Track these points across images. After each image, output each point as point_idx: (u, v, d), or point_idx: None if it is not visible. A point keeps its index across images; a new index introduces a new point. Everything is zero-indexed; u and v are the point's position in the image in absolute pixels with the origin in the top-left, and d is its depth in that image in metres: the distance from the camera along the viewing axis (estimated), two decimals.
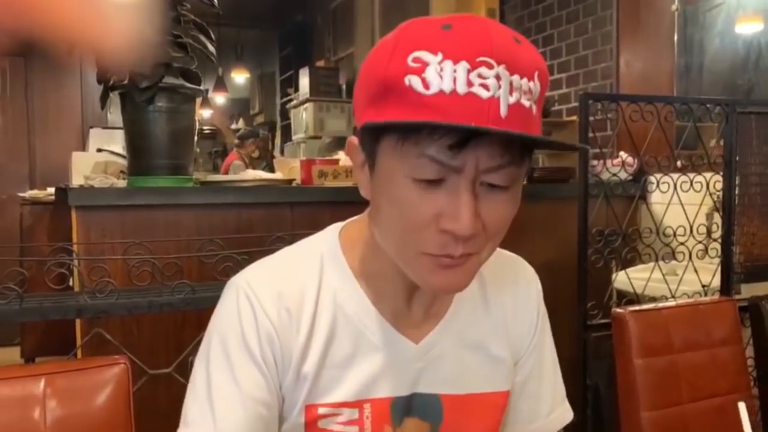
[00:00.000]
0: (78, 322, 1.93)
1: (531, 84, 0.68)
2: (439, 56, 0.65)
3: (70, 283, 1.91)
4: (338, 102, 6.17)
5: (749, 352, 1.91)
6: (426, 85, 0.64)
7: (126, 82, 2.07)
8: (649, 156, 2.18)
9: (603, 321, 1.89)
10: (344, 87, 6.51)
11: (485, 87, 0.64)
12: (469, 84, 0.64)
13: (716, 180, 2.10)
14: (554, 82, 3.91)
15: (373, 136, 0.72)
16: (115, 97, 2.23)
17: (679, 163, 2.32)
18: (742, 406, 0.66)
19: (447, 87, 0.64)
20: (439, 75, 0.64)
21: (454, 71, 0.64)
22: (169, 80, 2.11)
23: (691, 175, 2.13)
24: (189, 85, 2.18)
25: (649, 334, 1.68)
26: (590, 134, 1.91)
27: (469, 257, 0.72)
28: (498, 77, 0.65)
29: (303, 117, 6.24)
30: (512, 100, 0.65)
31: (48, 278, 1.38)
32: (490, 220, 0.70)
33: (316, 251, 0.84)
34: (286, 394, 0.80)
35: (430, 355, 0.83)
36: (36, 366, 1.18)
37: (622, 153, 2.80)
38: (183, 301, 1.37)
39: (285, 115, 7.61)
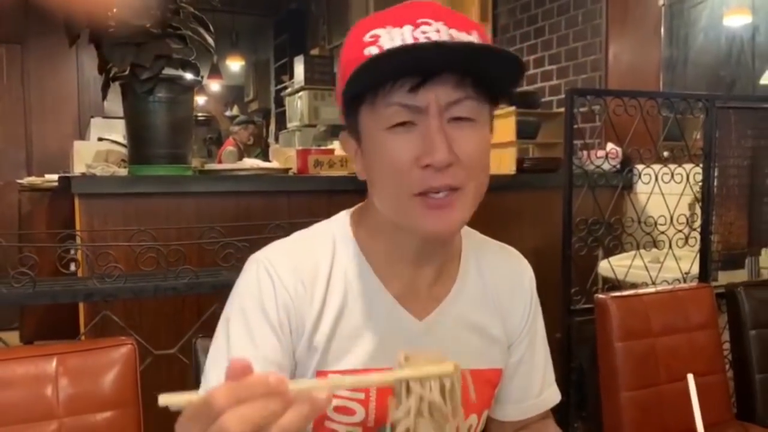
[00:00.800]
0: (82, 306, 2.00)
1: (471, 37, 0.79)
2: (388, 28, 0.78)
3: (72, 269, 1.98)
4: (333, 90, 6.18)
5: (726, 336, 2.00)
6: (381, 50, 0.77)
7: (127, 73, 2.13)
8: (632, 148, 2.25)
9: (586, 306, 1.96)
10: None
11: (428, 39, 0.76)
12: (415, 39, 0.76)
13: (696, 172, 2.18)
14: (545, 74, 3.97)
15: (352, 112, 0.82)
16: (113, 86, 2.29)
17: (666, 154, 2.39)
18: (690, 378, 0.73)
19: (398, 45, 0.76)
20: (390, 40, 0.77)
21: (402, 33, 0.77)
22: (169, 71, 2.17)
23: (673, 167, 2.20)
24: (188, 76, 2.24)
25: (629, 319, 1.76)
26: (578, 125, 1.98)
27: (454, 195, 0.79)
28: (438, 31, 0.77)
29: (298, 105, 6.27)
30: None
31: (57, 264, 1.45)
32: (464, 152, 0.78)
33: (329, 233, 0.91)
34: (299, 360, 0.86)
35: (432, 332, 0.90)
36: (48, 346, 1.23)
37: (609, 144, 2.87)
38: (186, 285, 1.44)
39: (279, 102, 7.62)
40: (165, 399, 0.51)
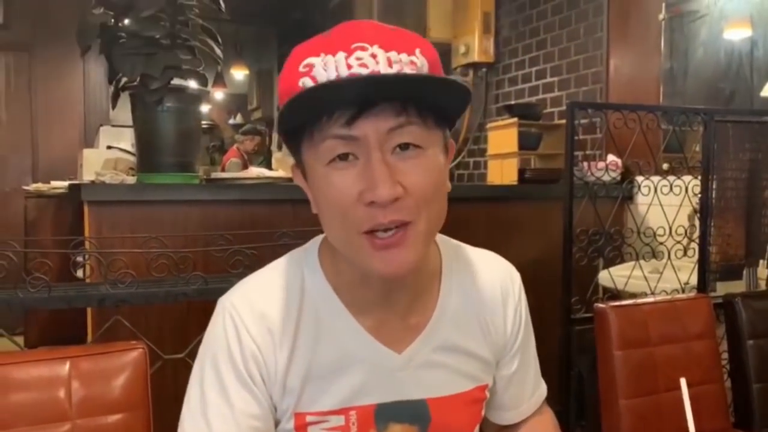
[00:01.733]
0: (90, 311, 2.04)
1: (413, 57, 0.74)
2: (321, 56, 0.74)
3: (79, 274, 2.01)
4: None
5: (724, 346, 2.02)
6: (315, 82, 0.73)
7: (136, 83, 2.17)
8: (632, 160, 2.29)
9: (586, 315, 1.99)
10: None
11: (364, 66, 0.72)
12: (349, 67, 0.72)
13: (695, 184, 2.21)
14: (546, 86, 4.01)
15: (294, 146, 0.80)
16: (121, 95, 2.33)
17: (665, 166, 2.43)
18: (683, 382, 0.76)
19: (332, 76, 0.72)
20: (324, 69, 0.73)
21: (336, 62, 0.72)
22: (178, 82, 2.21)
23: (672, 179, 2.24)
24: (196, 86, 2.28)
25: (628, 328, 1.79)
26: (579, 137, 2.02)
27: (403, 231, 0.75)
28: (374, 55, 0.72)
29: None
30: (392, 71, 0.72)
31: (69, 269, 1.48)
32: (411, 184, 0.74)
33: (297, 268, 0.88)
34: (277, 404, 0.85)
35: (413, 364, 0.87)
36: (61, 350, 1.25)
37: (610, 156, 2.91)
38: (196, 291, 1.47)
39: None
40: None
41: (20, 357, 1.26)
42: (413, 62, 0.74)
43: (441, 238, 0.94)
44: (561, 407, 2.05)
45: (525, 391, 1.02)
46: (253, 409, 0.83)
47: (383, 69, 0.72)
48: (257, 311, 0.84)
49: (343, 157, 0.74)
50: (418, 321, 0.88)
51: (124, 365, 1.25)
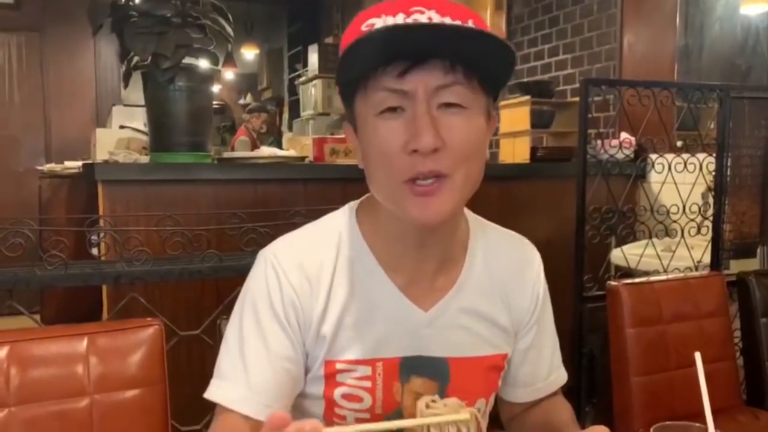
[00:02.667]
0: (105, 289, 2.06)
1: (466, 26, 0.78)
2: (382, 16, 0.79)
3: (94, 252, 2.03)
4: None
5: (736, 324, 2.02)
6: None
7: (148, 62, 2.17)
8: (646, 138, 2.27)
9: (598, 293, 1.99)
10: None
11: None
12: None
13: (709, 161, 2.19)
14: (559, 63, 3.97)
15: (348, 99, 0.84)
16: (133, 75, 2.33)
17: (679, 143, 2.41)
18: (697, 356, 0.77)
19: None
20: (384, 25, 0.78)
21: (395, 20, 0.78)
22: (189, 60, 2.21)
23: (686, 156, 2.22)
24: (207, 65, 2.28)
25: (640, 306, 1.79)
26: (593, 115, 2.00)
27: (442, 183, 0.79)
28: (430, 18, 0.78)
29: (312, 93, 6.28)
30: (446, 34, 0.77)
31: (85, 247, 1.49)
32: (452, 139, 0.78)
33: (334, 226, 0.93)
34: (309, 351, 0.90)
35: (438, 323, 0.91)
36: (79, 326, 1.27)
37: (623, 133, 2.89)
38: (211, 269, 1.49)
39: (293, 90, 7.64)
40: None
41: (39, 333, 1.28)
42: (456, 24, 0.79)
43: (470, 214, 0.99)
44: (572, 385, 2.06)
45: (540, 369, 1.04)
46: (288, 351, 0.88)
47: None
48: (296, 261, 0.89)
49: (393, 109, 0.79)
50: (444, 283, 0.93)
51: (140, 341, 1.27)
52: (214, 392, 0.88)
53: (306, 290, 0.88)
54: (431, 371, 0.91)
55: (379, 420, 0.90)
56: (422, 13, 0.78)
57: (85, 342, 1.23)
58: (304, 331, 0.89)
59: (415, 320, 0.91)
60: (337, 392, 0.90)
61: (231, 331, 0.91)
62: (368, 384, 0.90)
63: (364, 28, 0.80)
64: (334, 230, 0.93)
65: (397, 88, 0.77)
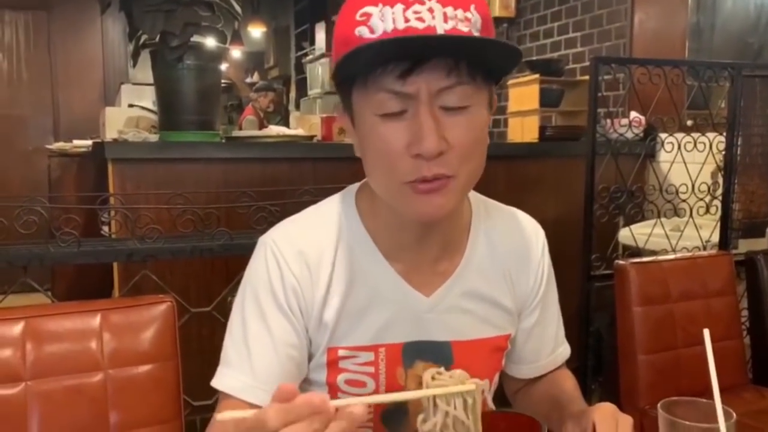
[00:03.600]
0: (116, 266, 2.08)
1: (467, 14, 0.76)
2: (379, 6, 0.76)
3: (104, 231, 2.05)
4: None
5: (744, 303, 2.03)
6: (372, 31, 0.75)
7: (157, 40, 2.17)
8: (656, 116, 2.26)
9: (606, 272, 2.00)
10: None
11: (420, 20, 0.74)
12: (406, 20, 0.74)
13: (720, 141, 2.18)
14: (568, 41, 3.94)
15: (345, 92, 0.82)
16: (141, 54, 2.34)
17: (690, 123, 2.40)
18: (706, 333, 0.77)
19: (389, 27, 0.75)
20: (381, 20, 0.75)
21: (393, 13, 0.74)
22: (197, 39, 2.21)
23: (696, 135, 2.21)
24: (215, 43, 2.28)
25: (648, 285, 1.80)
26: (603, 93, 1.99)
27: (446, 181, 0.78)
28: (431, 10, 0.74)
29: (319, 72, 6.27)
30: (448, 27, 0.75)
31: (97, 225, 1.51)
32: (456, 141, 0.77)
33: (334, 212, 0.92)
34: (312, 337, 0.90)
35: (440, 307, 0.91)
36: (93, 303, 1.29)
37: (633, 112, 2.87)
38: (222, 247, 1.50)
39: (300, 69, 7.62)
40: (222, 416, 0.59)
41: (54, 309, 1.30)
42: (468, 18, 0.76)
43: (472, 194, 0.97)
44: (579, 363, 2.08)
45: (545, 346, 1.05)
46: (292, 338, 0.88)
47: (439, 24, 0.74)
48: (296, 248, 0.89)
49: (395, 114, 0.77)
50: (446, 268, 0.93)
51: (153, 318, 1.29)
52: (220, 381, 0.89)
53: (307, 277, 0.88)
54: (434, 355, 0.92)
55: (383, 405, 0.91)
56: (422, 3, 0.75)
57: (98, 318, 1.25)
58: (306, 317, 0.89)
59: (417, 306, 0.91)
60: (340, 378, 0.91)
61: (234, 320, 0.91)
62: (371, 369, 0.90)
63: (359, 17, 0.76)
64: (333, 216, 0.92)
65: (399, 90, 0.76)
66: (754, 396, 1.87)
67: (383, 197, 0.85)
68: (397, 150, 0.77)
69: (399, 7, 0.75)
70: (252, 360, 0.87)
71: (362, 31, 0.76)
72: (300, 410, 0.57)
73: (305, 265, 0.88)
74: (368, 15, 0.76)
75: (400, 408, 0.92)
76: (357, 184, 0.95)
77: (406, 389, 0.90)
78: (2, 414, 1.16)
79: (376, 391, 0.90)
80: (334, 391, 0.91)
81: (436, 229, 0.89)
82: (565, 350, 1.08)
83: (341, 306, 0.88)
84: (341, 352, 0.89)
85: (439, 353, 0.92)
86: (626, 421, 0.82)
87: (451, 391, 0.65)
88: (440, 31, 0.74)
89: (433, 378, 0.69)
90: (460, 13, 0.76)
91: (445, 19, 0.75)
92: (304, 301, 0.88)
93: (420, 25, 0.74)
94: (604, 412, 0.82)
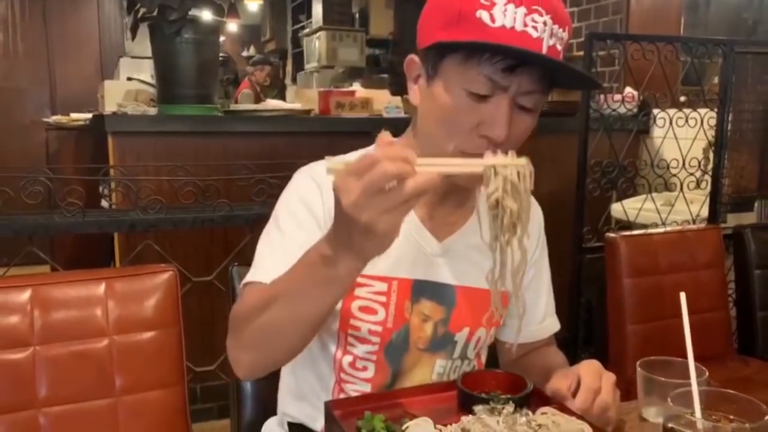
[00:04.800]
0: (117, 237, 2.12)
1: (564, 33, 0.88)
2: None
3: (104, 204, 2.07)
4: (351, 31, 6.16)
5: (732, 276, 2.07)
6: (492, 19, 0.83)
7: (155, 13, 2.18)
8: (649, 92, 2.28)
9: (597, 245, 2.04)
10: (357, 16, 6.46)
11: (535, 29, 0.84)
12: (525, 24, 0.83)
13: (711, 116, 2.21)
14: None
15: (439, 53, 0.89)
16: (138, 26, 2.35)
17: (683, 99, 2.42)
18: (682, 296, 0.82)
19: (508, 23, 0.83)
20: (503, 14, 0.83)
21: (515, 13, 0.83)
22: (195, 12, 2.23)
23: (688, 111, 2.23)
24: (213, 16, 2.29)
25: (638, 257, 1.84)
26: (597, 69, 2.01)
27: None
28: (545, 23, 0.84)
29: (316, 46, 6.24)
30: (551, 42, 0.85)
31: (99, 195, 1.54)
32: (515, 134, 0.88)
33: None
34: None
35: (450, 253, 1.02)
36: (97, 271, 1.33)
37: (627, 88, 2.89)
38: (222, 217, 1.53)
39: (296, 42, 7.57)
40: (330, 164, 0.70)
41: (59, 278, 1.34)
42: (563, 38, 0.88)
43: None
44: (569, 334, 2.13)
45: (536, 313, 1.14)
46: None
47: (546, 38, 0.85)
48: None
49: (483, 96, 0.86)
50: (458, 219, 1.04)
51: (156, 286, 1.32)
52: (253, 275, 0.94)
53: None
54: (439, 296, 1.01)
55: (390, 333, 0.98)
56: (540, 14, 0.84)
57: (103, 286, 1.28)
58: None
59: (431, 249, 1.01)
60: (354, 305, 0.98)
61: (269, 233, 0.99)
62: (383, 299, 0.98)
63: (483, 0, 0.84)
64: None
65: (497, 80, 0.85)
66: (739, 365, 1.93)
67: (425, 146, 0.92)
68: (470, 125, 0.87)
69: (522, 9, 0.84)
70: (288, 260, 0.89)
71: (483, 15, 0.84)
72: (399, 151, 0.67)
73: None
74: (492, 2, 0.84)
75: (401, 345, 0.99)
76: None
77: (410, 323, 0.99)
78: (12, 377, 1.20)
79: (385, 320, 0.98)
80: (346, 317, 0.98)
81: (457, 189, 0.99)
82: (554, 323, 1.17)
83: None
84: (358, 279, 0.95)
85: (443, 294, 1.01)
86: (610, 377, 0.89)
87: (507, 163, 0.76)
88: (546, 44, 0.85)
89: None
90: (560, 32, 0.87)
91: (551, 34, 0.85)
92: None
93: (534, 34, 0.84)
94: (590, 367, 0.90)
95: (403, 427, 0.75)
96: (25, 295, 1.23)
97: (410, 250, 0.99)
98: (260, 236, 1.01)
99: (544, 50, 0.85)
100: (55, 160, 3.86)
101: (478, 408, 0.78)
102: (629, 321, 1.82)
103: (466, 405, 0.79)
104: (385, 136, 0.71)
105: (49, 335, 1.22)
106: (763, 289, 2.01)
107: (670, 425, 0.71)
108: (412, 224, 1.00)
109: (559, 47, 0.87)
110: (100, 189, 1.61)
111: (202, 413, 2.24)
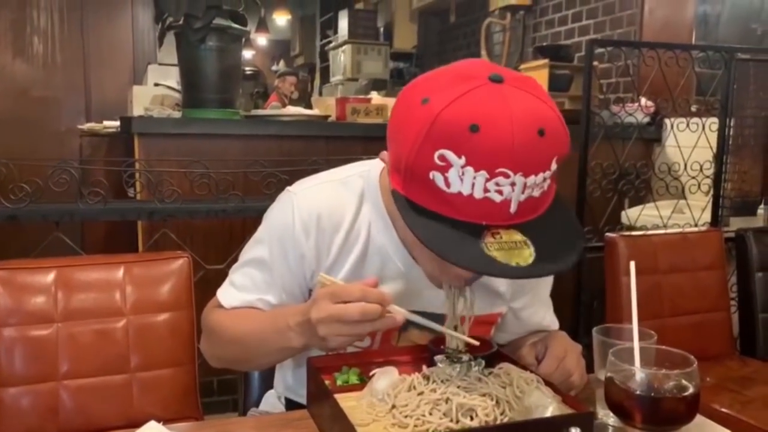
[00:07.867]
0: (140, 226, 2.22)
1: (546, 173, 0.76)
2: (463, 160, 0.73)
3: (130, 193, 2.18)
4: (375, 45, 6.25)
5: (734, 280, 2.10)
6: (447, 184, 0.74)
7: (181, 22, 2.31)
8: (660, 98, 2.32)
9: (598, 244, 2.08)
10: (382, 30, 6.57)
11: (500, 192, 0.74)
12: (486, 191, 0.73)
13: (713, 122, 2.25)
14: (582, 29, 3.99)
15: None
16: (167, 36, 2.48)
17: (694, 108, 2.46)
18: (632, 265, 0.88)
19: (465, 190, 0.74)
20: (460, 178, 0.73)
21: (474, 178, 0.73)
22: (219, 22, 2.35)
23: (705, 119, 2.26)
24: (236, 26, 2.41)
25: (637, 257, 1.87)
26: (613, 79, 2.05)
27: None
28: (513, 184, 0.74)
29: (341, 59, 6.35)
30: (523, 197, 0.75)
31: (123, 187, 1.65)
32: None
33: (358, 185, 0.99)
34: (314, 292, 0.98)
35: (443, 289, 0.96)
36: (117, 256, 1.42)
37: (642, 98, 2.93)
38: (234, 209, 1.63)
39: (324, 57, 7.70)
40: (322, 278, 0.86)
41: (82, 261, 1.44)
42: (544, 179, 0.77)
43: None
44: (568, 331, 2.16)
45: (532, 326, 1.15)
46: (291, 285, 0.99)
47: (515, 197, 0.75)
48: (317, 210, 0.96)
49: None
50: None
51: (171, 271, 1.41)
52: (230, 295, 1.03)
53: (320, 241, 0.96)
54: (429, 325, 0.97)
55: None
56: (507, 177, 0.73)
57: (122, 270, 1.38)
58: (309, 277, 0.98)
59: (421, 282, 0.99)
60: None
61: (246, 253, 1.02)
62: None
63: (437, 159, 0.74)
64: (357, 187, 0.98)
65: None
66: (738, 364, 1.96)
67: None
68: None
69: (482, 174, 0.73)
70: (258, 290, 0.99)
71: (437, 178, 0.75)
72: (374, 295, 0.78)
73: (321, 231, 0.95)
74: (448, 164, 0.74)
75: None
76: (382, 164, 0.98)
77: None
78: (36, 351, 1.30)
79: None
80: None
81: None
82: (553, 323, 1.17)
83: (354, 273, 0.96)
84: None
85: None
86: (576, 347, 0.94)
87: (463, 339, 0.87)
88: (514, 203, 0.75)
89: None
90: (539, 178, 0.75)
91: (524, 189, 0.75)
92: (313, 262, 0.96)
93: (497, 198, 0.74)
94: (557, 337, 0.95)
95: (370, 374, 0.83)
96: (50, 277, 1.33)
97: (402, 283, 0.98)
98: (246, 245, 1.05)
99: (512, 210, 0.75)
100: (87, 164, 4.01)
101: (439, 358, 0.85)
102: (627, 320, 1.83)
103: (431, 360, 0.87)
104: (370, 281, 0.81)
105: (71, 314, 1.32)
106: (764, 292, 2.03)
107: (609, 375, 0.78)
108: (404, 259, 0.97)
109: (537, 193, 0.77)
110: (124, 177, 1.72)
111: (218, 405, 2.31)
